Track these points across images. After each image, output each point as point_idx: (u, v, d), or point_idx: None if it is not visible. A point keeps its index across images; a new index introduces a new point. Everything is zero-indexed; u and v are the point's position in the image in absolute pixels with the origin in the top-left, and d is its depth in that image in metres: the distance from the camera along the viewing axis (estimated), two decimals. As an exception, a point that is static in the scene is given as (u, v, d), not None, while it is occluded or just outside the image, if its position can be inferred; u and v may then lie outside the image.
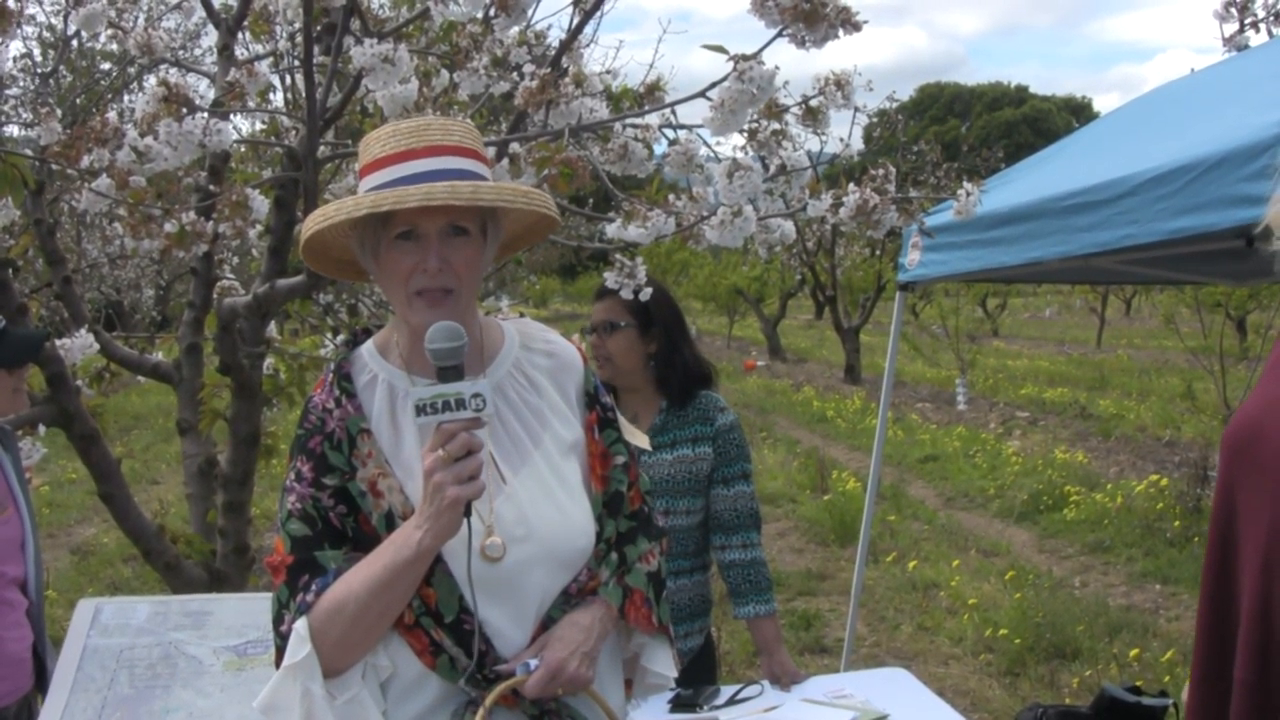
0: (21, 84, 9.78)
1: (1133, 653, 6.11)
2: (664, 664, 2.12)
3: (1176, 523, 8.75)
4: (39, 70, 9.65)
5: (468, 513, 1.73)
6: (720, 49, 2.55)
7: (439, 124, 1.90)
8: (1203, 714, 1.84)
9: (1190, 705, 1.88)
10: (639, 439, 2.16)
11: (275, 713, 1.82)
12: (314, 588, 1.80)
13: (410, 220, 1.81)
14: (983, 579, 7.88)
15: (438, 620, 1.83)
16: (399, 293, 1.87)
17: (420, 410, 1.71)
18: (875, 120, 22.25)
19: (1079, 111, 69.62)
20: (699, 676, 3.46)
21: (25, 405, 3.19)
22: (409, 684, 1.86)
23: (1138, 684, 4.25)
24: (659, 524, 2.18)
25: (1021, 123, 67.17)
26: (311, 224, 1.87)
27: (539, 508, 1.92)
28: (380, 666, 1.85)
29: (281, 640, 1.82)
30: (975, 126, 63.77)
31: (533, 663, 1.84)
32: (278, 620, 1.84)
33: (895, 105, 19.07)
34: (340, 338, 2.23)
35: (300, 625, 1.78)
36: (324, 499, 1.86)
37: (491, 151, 3.01)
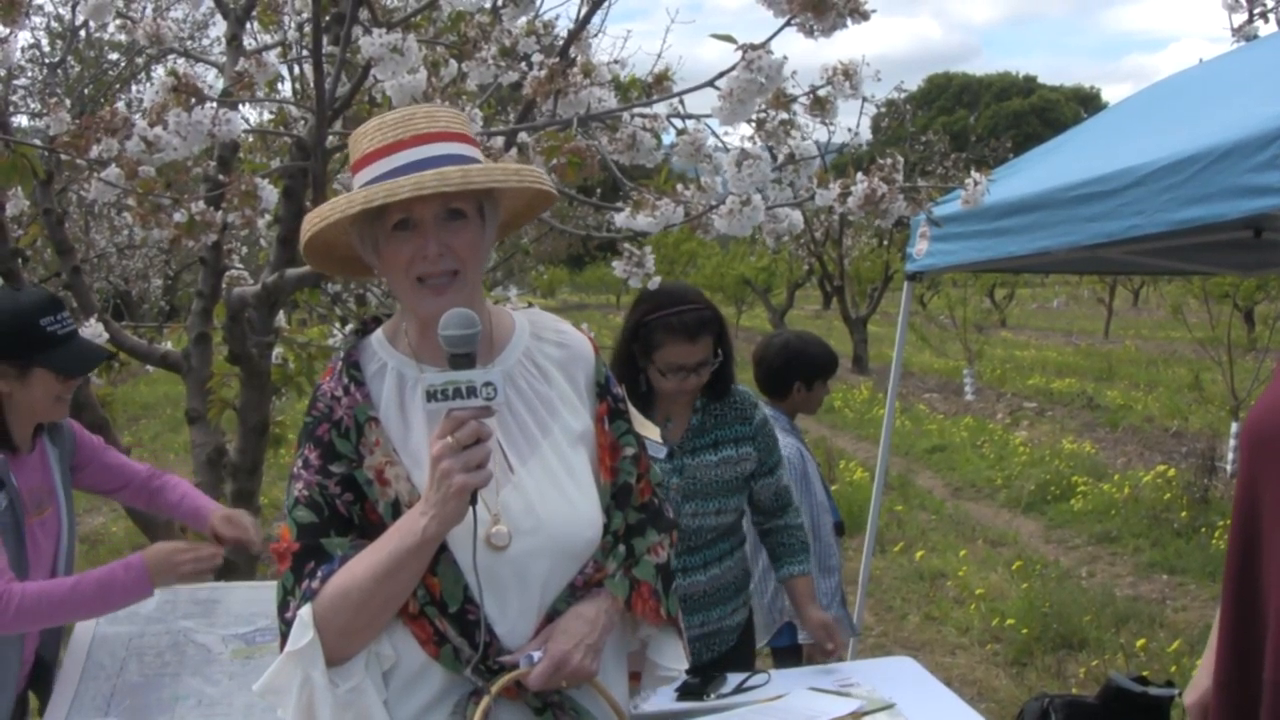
0: (30, 74, 9.79)
1: (1139, 643, 6.11)
2: (673, 656, 2.11)
3: (1184, 513, 8.74)
4: (47, 60, 9.64)
5: (473, 501, 1.72)
6: (729, 38, 2.55)
7: (424, 112, 1.90)
8: (1229, 717, 1.80)
9: (1215, 708, 1.83)
10: (650, 431, 2.16)
11: (274, 697, 1.83)
12: (319, 574, 1.81)
13: (405, 210, 1.81)
14: (990, 569, 7.87)
15: (442, 610, 1.83)
16: (403, 283, 1.87)
17: (431, 396, 1.70)
18: (883, 110, 22.25)
19: (1087, 102, 69.40)
20: (745, 647, 3.61)
21: (64, 415, 3.06)
22: (412, 674, 1.86)
23: (1144, 674, 4.26)
24: (669, 516, 2.16)
25: (1030, 113, 66.99)
26: (309, 225, 1.88)
27: (546, 498, 1.91)
28: (384, 655, 1.85)
29: (286, 627, 1.82)
30: (983, 117, 63.63)
31: (536, 655, 1.83)
32: (283, 607, 1.84)
33: (904, 95, 19.07)
34: (349, 327, 2.22)
35: (304, 612, 1.78)
36: (330, 486, 1.87)
37: (500, 141, 3.02)
